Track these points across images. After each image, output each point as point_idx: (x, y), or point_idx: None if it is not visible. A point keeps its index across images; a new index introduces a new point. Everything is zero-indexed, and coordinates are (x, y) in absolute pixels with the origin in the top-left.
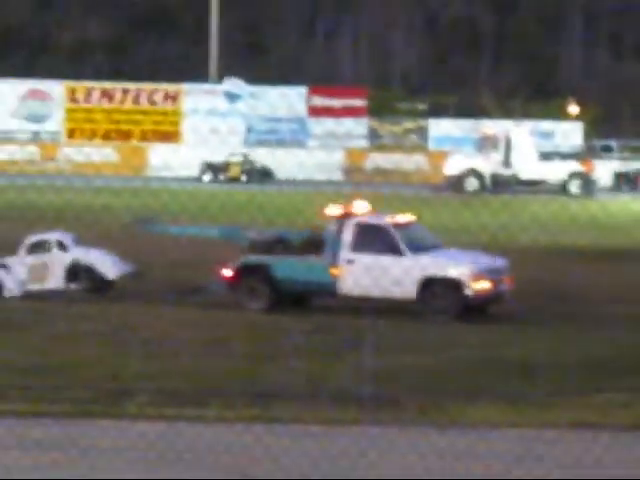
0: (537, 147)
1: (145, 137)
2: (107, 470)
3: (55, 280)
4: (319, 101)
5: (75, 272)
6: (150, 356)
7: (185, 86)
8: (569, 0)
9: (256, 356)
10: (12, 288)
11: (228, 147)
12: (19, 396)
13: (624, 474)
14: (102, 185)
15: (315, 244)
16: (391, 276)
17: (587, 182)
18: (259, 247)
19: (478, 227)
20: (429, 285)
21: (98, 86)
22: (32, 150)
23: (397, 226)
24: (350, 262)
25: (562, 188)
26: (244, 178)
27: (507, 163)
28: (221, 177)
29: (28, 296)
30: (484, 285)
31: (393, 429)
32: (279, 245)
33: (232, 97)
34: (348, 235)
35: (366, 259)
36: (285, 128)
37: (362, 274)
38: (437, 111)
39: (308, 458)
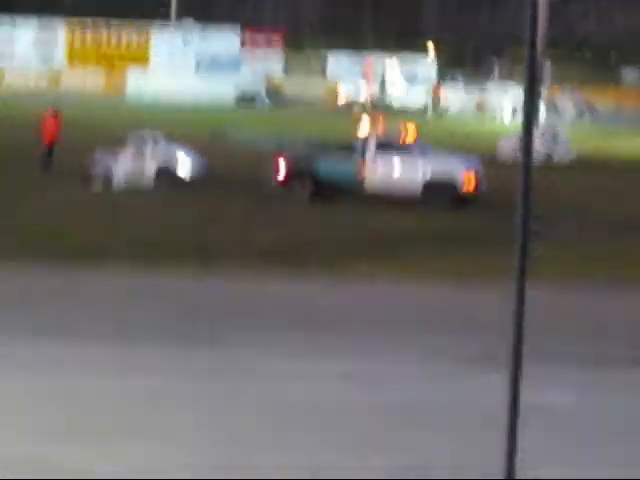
0: (405, 78)
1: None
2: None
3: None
4: (249, 37)
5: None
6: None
7: (153, 27)
8: None
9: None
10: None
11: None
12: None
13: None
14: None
15: (347, 153)
16: (404, 175)
17: (438, 105)
18: (306, 153)
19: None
20: (431, 181)
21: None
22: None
23: (405, 140)
24: (373, 164)
25: (423, 109)
26: None
27: (382, 90)
28: None
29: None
30: (471, 182)
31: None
32: (321, 151)
33: (186, 36)
34: (371, 146)
35: (385, 163)
36: (224, 59)
37: (382, 174)
38: (332, 49)
39: (232, 299)
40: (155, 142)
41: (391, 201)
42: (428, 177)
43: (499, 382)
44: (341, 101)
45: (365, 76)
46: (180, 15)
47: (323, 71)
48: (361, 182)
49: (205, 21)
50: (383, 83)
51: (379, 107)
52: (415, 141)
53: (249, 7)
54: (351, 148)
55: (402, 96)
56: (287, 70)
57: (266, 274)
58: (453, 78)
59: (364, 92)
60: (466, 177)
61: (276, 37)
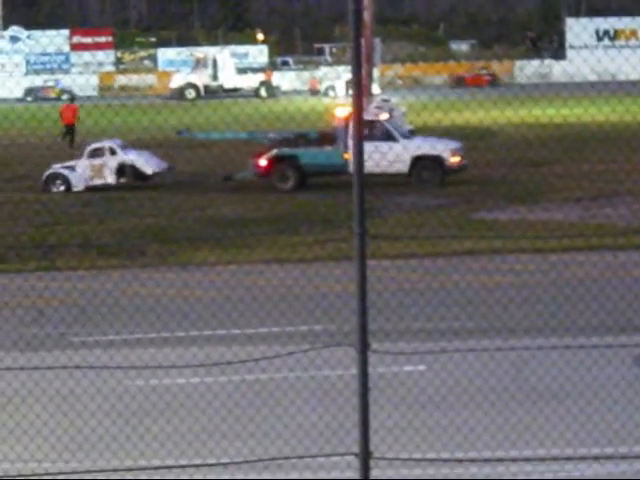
0: (236, 64)
1: None
2: None
3: (110, 177)
4: (77, 39)
5: (122, 170)
6: None
7: None
8: None
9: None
10: (77, 184)
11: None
12: None
13: (300, 293)
14: None
15: (329, 138)
16: (389, 156)
17: (270, 87)
18: (284, 143)
19: (202, 122)
20: (418, 161)
21: None
22: None
23: (386, 120)
24: None
25: (255, 93)
26: None
27: (215, 77)
28: None
29: (90, 190)
30: (457, 159)
31: (137, 270)
32: (301, 140)
33: (14, 40)
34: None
35: (369, 145)
36: (54, 60)
37: (367, 156)
38: (163, 43)
39: (78, 291)
40: (111, 151)
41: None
42: (416, 154)
43: (347, 358)
44: (174, 85)
45: (196, 66)
46: (7, 22)
47: (155, 64)
48: (346, 164)
49: (33, 26)
50: (215, 71)
51: (212, 92)
52: (391, 121)
53: (75, 9)
54: (331, 135)
55: (234, 82)
56: (119, 66)
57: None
58: (284, 63)
59: (196, 80)
60: (452, 154)
61: (105, 37)
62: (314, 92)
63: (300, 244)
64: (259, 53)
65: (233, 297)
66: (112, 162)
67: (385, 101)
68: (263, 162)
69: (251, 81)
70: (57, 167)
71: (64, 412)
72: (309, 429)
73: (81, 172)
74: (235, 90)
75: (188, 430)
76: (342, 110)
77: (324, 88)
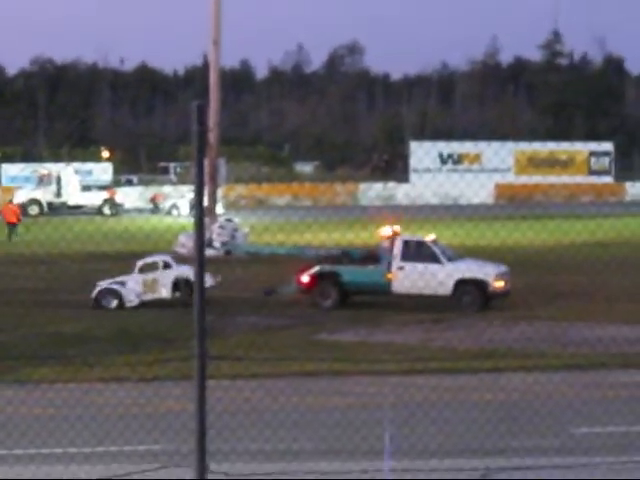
0: (81, 182)
1: None
2: None
3: (164, 291)
4: None
5: (177, 284)
6: None
7: None
8: (99, 75)
9: None
10: (131, 299)
11: None
12: None
13: (139, 412)
14: None
15: (373, 257)
16: (433, 278)
17: (113, 205)
18: (328, 260)
19: (58, 239)
20: (461, 284)
21: None
22: None
23: (432, 242)
24: (400, 268)
25: (99, 210)
26: None
27: (59, 194)
28: None
29: (143, 305)
30: (501, 284)
31: None
32: (344, 258)
33: None
34: (398, 249)
35: (415, 266)
36: None
37: (410, 277)
38: (7, 158)
39: None
40: (166, 265)
41: (421, 302)
42: (459, 277)
43: (185, 479)
44: (17, 201)
45: (40, 182)
46: None
47: None
48: (389, 284)
49: None
50: (59, 188)
51: (55, 208)
52: (437, 243)
53: None
54: (375, 254)
55: (78, 199)
56: None
57: None
58: (128, 181)
59: (39, 196)
60: (497, 279)
61: None
62: (155, 211)
63: (140, 363)
64: (103, 171)
65: (71, 415)
66: (167, 276)
67: (229, 221)
68: (305, 278)
69: (95, 198)
70: (105, 283)
71: None
72: None
73: (133, 287)
74: (79, 207)
75: None
76: (386, 230)
77: (167, 207)
